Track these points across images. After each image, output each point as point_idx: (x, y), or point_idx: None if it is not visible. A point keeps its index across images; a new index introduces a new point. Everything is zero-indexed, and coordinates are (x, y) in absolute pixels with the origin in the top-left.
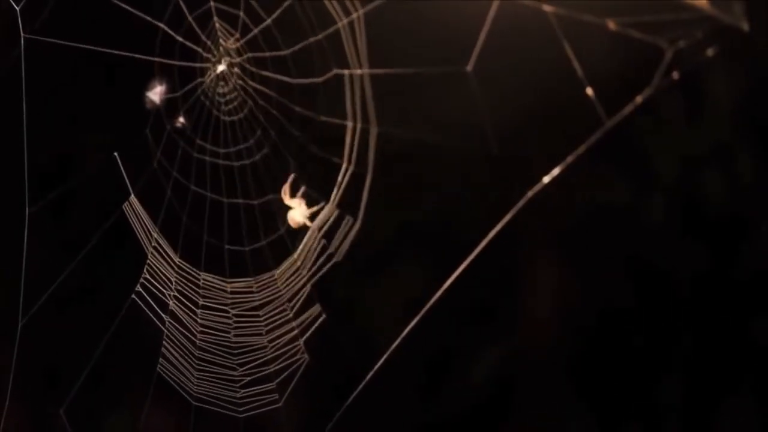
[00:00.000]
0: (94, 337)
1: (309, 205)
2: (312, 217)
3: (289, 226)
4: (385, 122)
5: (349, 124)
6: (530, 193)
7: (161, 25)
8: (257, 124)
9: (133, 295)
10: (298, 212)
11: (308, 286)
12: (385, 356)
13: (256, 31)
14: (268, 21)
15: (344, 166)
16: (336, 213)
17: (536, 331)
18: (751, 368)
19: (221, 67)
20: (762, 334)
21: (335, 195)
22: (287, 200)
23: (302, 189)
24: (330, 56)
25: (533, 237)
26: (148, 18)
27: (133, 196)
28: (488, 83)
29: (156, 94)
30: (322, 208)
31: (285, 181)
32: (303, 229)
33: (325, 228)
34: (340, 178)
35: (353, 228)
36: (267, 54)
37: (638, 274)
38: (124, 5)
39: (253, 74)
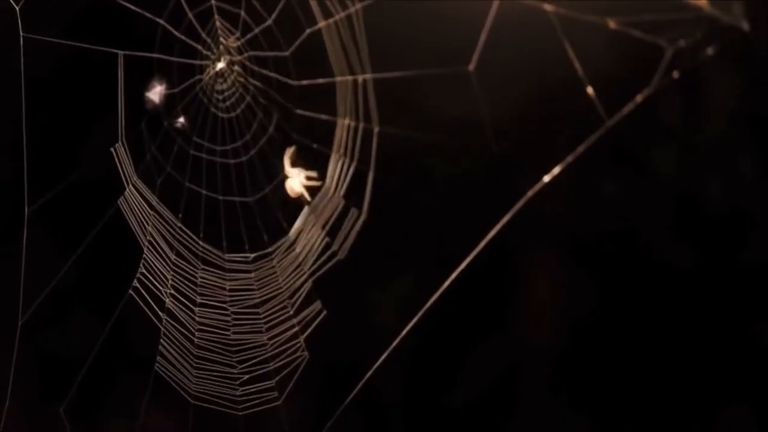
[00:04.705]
0: (93, 335)
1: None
2: (309, 190)
3: (287, 198)
4: (387, 121)
5: (351, 123)
6: (530, 192)
7: (161, 21)
8: (254, 119)
9: (130, 291)
10: (296, 181)
11: (309, 282)
12: (384, 355)
13: (257, 30)
14: (269, 21)
15: (346, 160)
16: (342, 204)
17: (536, 329)
18: (751, 368)
19: (220, 65)
20: (762, 333)
21: (340, 186)
22: (287, 169)
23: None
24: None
25: (533, 236)
26: (149, 15)
27: (128, 191)
28: (489, 82)
29: (155, 93)
30: (319, 182)
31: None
32: (300, 201)
33: (330, 223)
34: (343, 172)
35: (358, 222)
36: (269, 54)
37: (637, 274)
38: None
39: (254, 72)
